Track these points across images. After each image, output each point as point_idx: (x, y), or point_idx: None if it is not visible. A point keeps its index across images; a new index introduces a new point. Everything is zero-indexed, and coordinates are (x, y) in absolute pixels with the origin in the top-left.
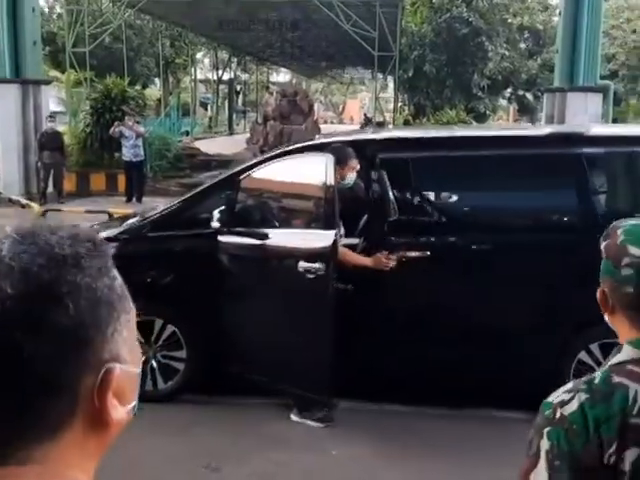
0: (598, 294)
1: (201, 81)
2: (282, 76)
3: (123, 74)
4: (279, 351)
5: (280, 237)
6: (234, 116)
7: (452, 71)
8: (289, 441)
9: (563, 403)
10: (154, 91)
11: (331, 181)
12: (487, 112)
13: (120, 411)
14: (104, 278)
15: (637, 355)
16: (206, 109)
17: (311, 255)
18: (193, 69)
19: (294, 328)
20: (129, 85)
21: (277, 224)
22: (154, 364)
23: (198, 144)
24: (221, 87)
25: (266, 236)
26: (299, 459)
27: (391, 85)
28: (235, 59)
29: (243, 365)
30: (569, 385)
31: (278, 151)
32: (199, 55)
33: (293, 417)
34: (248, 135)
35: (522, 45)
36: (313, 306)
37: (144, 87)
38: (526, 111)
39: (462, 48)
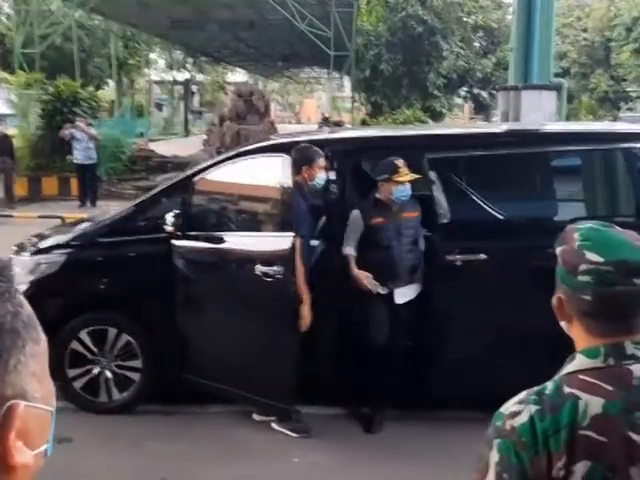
0: (554, 301)
1: (156, 82)
2: (238, 76)
3: (75, 76)
4: (239, 358)
5: (237, 240)
6: (190, 117)
7: (408, 70)
8: (249, 451)
9: (514, 414)
10: (108, 92)
11: (288, 182)
12: (443, 111)
13: (27, 455)
14: (7, 304)
15: (590, 365)
16: (161, 110)
17: (269, 258)
18: (147, 70)
19: (254, 334)
20: (82, 87)
21: (234, 227)
22: (108, 375)
23: (153, 146)
24: (177, 88)
25: (222, 240)
26: (259, 469)
27: (348, 84)
28: (190, 60)
29: (202, 373)
30: (521, 395)
31: (233, 152)
32: (153, 56)
33: (274, 426)
34: (204, 136)
35: (477, 44)
36: (273, 311)
37: (97, 88)
38: (482, 109)
39: (417, 47)
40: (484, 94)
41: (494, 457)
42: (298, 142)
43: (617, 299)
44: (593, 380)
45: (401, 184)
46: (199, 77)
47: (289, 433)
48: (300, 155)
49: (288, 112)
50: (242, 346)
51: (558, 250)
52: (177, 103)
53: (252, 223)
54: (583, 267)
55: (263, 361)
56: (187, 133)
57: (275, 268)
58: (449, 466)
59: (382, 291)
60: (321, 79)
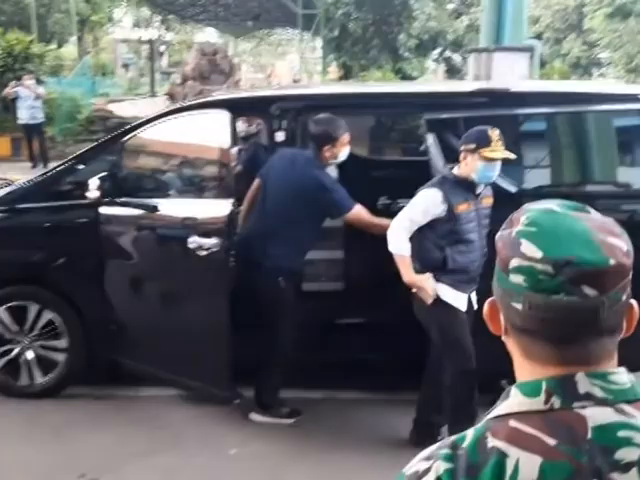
0: (485, 307)
1: (122, 41)
2: (208, 36)
3: (33, 31)
4: (174, 339)
5: (171, 208)
6: (159, 78)
7: (378, 31)
8: (183, 440)
9: (417, 476)
10: (71, 50)
11: (228, 142)
12: (415, 73)
13: None
14: None
15: (526, 406)
16: (128, 70)
17: (204, 229)
18: (112, 28)
19: (188, 313)
20: (43, 43)
21: (169, 193)
22: (30, 355)
23: (115, 106)
24: (144, 47)
25: (155, 207)
26: (191, 462)
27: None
28: (158, 18)
29: (133, 355)
30: (432, 447)
31: (168, 109)
32: (119, 13)
33: (254, 417)
34: (167, 97)
35: (449, 5)
36: (208, 287)
37: (60, 46)
38: (454, 72)
39: (387, 7)
40: (456, 57)
41: None
42: (241, 98)
43: (558, 313)
44: (528, 429)
45: (491, 161)
46: (168, 37)
47: (280, 421)
48: (320, 131)
49: (260, 74)
50: (177, 326)
51: (497, 236)
52: (144, 63)
53: (189, 188)
54: (515, 262)
55: (198, 343)
56: (153, 94)
57: (211, 240)
58: (397, 456)
59: (457, 302)
60: (294, 40)
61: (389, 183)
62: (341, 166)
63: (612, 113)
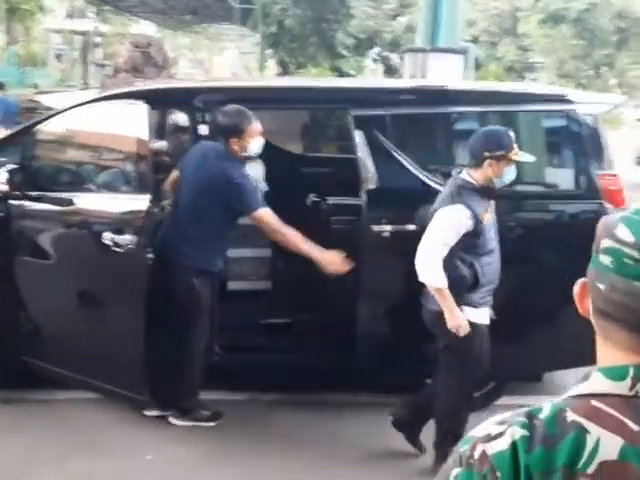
0: (576, 287)
1: (56, 31)
2: (146, 29)
3: None
4: (87, 340)
5: (86, 203)
6: (92, 69)
7: (316, 28)
8: (96, 445)
9: (489, 438)
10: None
11: (146, 135)
12: (352, 72)
13: None
14: None
15: (610, 389)
16: (61, 62)
17: (119, 225)
18: (44, 17)
19: (104, 313)
20: None
21: (83, 187)
22: None
23: (44, 98)
24: (79, 38)
25: (68, 201)
26: (104, 469)
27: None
28: (93, 9)
29: (44, 357)
30: (503, 415)
31: (84, 99)
32: (52, 3)
33: (173, 421)
34: (98, 89)
35: (386, 5)
36: (123, 287)
37: None
38: (391, 72)
39: (326, 4)
40: (394, 57)
41: None
42: (160, 89)
43: (637, 300)
44: (612, 411)
45: (512, 164)
46: (103, 28)
47: (200, 425)
48: (226, 123)
49: (198, 69)
50: (92, 327)
51: (601, 219)
52: (78, 54)
53: (105, 182)
54: (605, 243)
55: (113, 344)
56: (86, 86)
57: (126, 237)
58: (322, 458)
59: (482, 318)
60: (233, 36)
61: (319, 180)
62: (269, 163)
63: (541, 114)
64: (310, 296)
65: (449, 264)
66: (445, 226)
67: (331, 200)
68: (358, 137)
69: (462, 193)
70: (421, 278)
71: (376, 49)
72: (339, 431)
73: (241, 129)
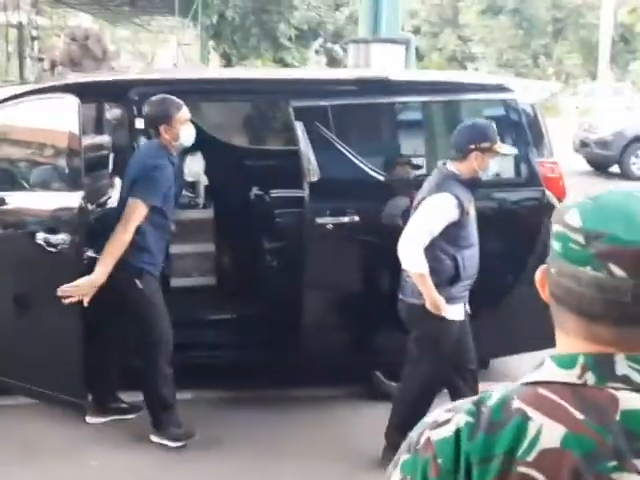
0: (538, 273)
1: None
2: (84, 21)
3: None
4: (24, 344)
5: (17, 200)
6: (29, 64)
7: (258, 19)
8: (38, 454)
9: (436, 424)
10: None
11: (77, 130)
12: (295, 63)
13: None
14: None
15: (559, 377)
16: None
17: (52, 224)
18: None
19: (38, 316)
20: None
21: (14, 184)
22: None
23: None
24: (14, 32)
25: (1, 200)
26: (48, 476)
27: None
28: (28, 0)
29: None
30: (454, 403)
31: (11, 93)
32: None
33: (153, 438)
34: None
35: None
36: (59, 286)
37: None
38: (335, 63)
39: None
40: (337, 48)
41: (394, 478)
42: (91, 82)
43: (584, 286)
44: (557, 399)
45: (496, 156)
46: (40, 21)
47: (170, 444)
48: (153, 112)
49: (140, 62)
50: (27, 329)
51: None
52: (14, 48)
53: (36, 179)
54: (555, 228)
55: (50, 349)
56: (22, 81)
57: (60, 236)
58: (290, 450)
59: (457, 315)
60: (175, 28)
61: (263, 173)
62: (210, 156)
63: (481, 102)
64: (255, 291)
65: (430, 255)
66: (431, 214)
67: (275, 193)
68: (299, 128)
69: (449, 183)
70: (404, 265)
71: (319, 40)
72: (284, 427)
73: (168, 116)
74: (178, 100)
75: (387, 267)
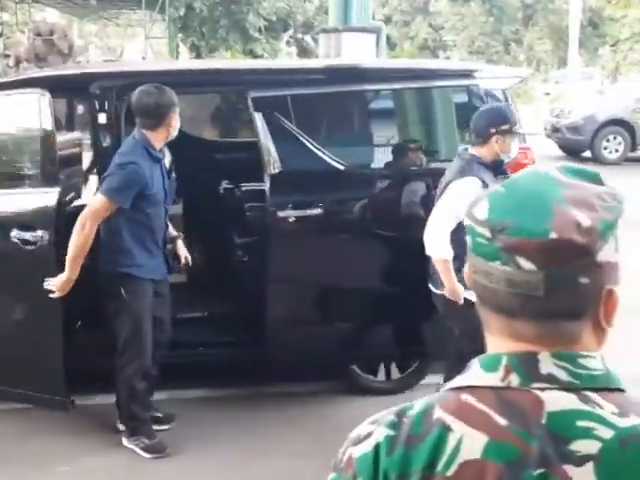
0: (466, 268)
1: None
2: (50, 16)
3: None
4: (3, 345)
5: None
6: None
7: (226, 10)
8: (6, 460)
9: (357, 440)
10: None
11: (49, 125)
12: (265, 55)
13: None
14: None
15: (482, 381)
16: None
17: (28, 221)
18: None
19: (16, 313)
20: None
21: None
22: None
23: None
24: None
25: None
26: None
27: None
28: None
29: None
30: (381, 413)
31: None
32: None
33: (125, 442)
34: None
35: None
36: (36, 284)
37: None
38: (306, 54)
39: None
40: (308, 39)
41: None
42: (59, 76)
43: (496, 282)
44: (480, 405)
45: (516, 138)
46: (5, 17)
47: (140, 452)
48: (159, 101)
49: (109, 56)
50: (4, 329)
51: None
52: None
53: (8, 176)
54: (465, 221)
55: (28, 347)
56: None
57: (36, 233)
58: (265, 449)
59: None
60: (143, 21)
61: (232, 167)
62: (178, 149)
63: (453, 89)
64: (227, 287)
65: (455, 241)
66: (457, 198)
67: (244, 186)
68: (258, 120)
69: (472, 167)
70: (428, 251)
71: (289, 31)
72: (258, 425)
73: (175, 104)
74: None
75: (353, 258)
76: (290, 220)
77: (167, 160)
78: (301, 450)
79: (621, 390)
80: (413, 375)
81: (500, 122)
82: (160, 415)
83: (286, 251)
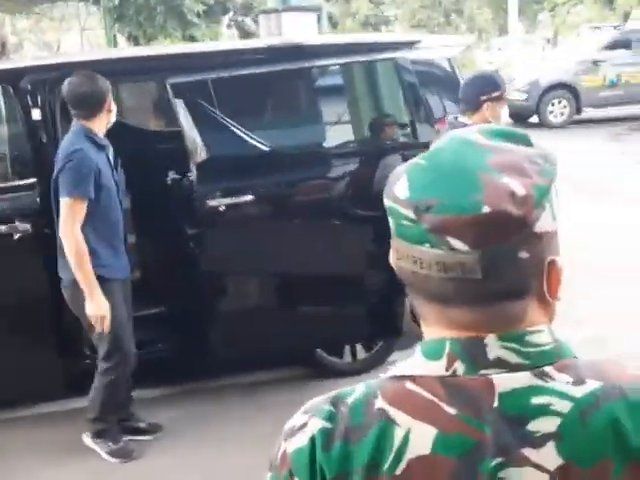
0: (392, 252)
1: None
2: None
3: None
4: None
5: None
6: None
7: None
8: None
9: (292, 432)
10: None
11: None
12: (206, 40)
13: None
14: None
15: (426, 369)
16: None
17: (9, 213)
18: None
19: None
20: None
21: None
22: None
23: None
24: None
25: None
26: None
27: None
28: None
29: None
30: (314, 400)
31: None
32: None
33: (88, 442)
34: None
35: None
36: (22, 275)
37: None
38: (247, 37)
39: None
40: (248, 21)
41: None
42: None
43: (427, 268)
44: (426, 394)
45: (506, 104)
46: None
47: (104, 456)
48: (93, 89)
49: (46, 52)
50: None
51: None
52: None
53: None
54: (385, 202)
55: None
56: None
57: (16, 225)
58: (217, 452)
59: None
60: (77, 13)
61: (177, 156)
62: (120, 140)
63: (394, 61)
64: (178, 282)
65: None
66: None
67: (192, 176)
68: (179, 106)
69: None
70: None
71: (229, 14)
72: (223, 418)
73: (109, 91)
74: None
75: (290, 242)
76: (220, 209)
77: (110, 153)
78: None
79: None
80: (379, 354)
81: (491, 89)
82: (143, 425)
83: (219, 241)
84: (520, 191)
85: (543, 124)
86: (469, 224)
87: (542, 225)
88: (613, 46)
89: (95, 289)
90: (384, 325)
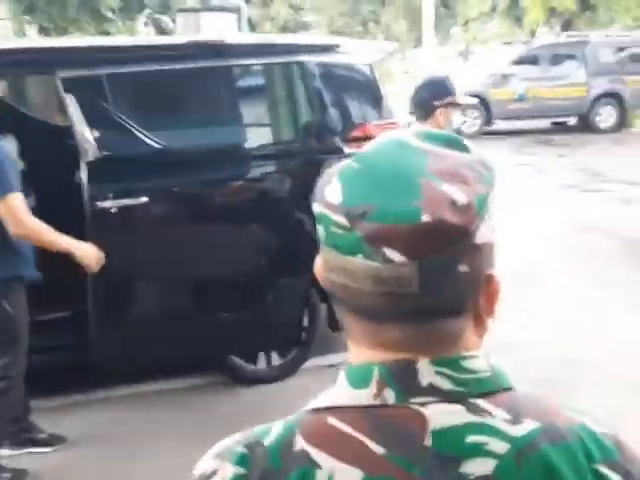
0: (317, 261)
1: None
2: None
3: None
4: None
5: None
6: None
7: None
8: None
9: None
10: None
11: None
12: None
13: None
14: None
15: (352, 399)
16: None
17: None
18: None
19: None
20: None
21: None
22: None
23: None
24: None
25: None
26: None
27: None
28: None
29: None
30: (226, 442)
31: None
32: None
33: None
34: None
35: None
36: None
37: None
38: (165, 35)
39: None
40: (166, 19)
41: None
42: None
43: (359, 281)
44: (350, 431)
45: (459, 108)
46: None
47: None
48: None
49: None
50: None
51: None
52: None
53: None
54: (315, 208)
55: None
56: None
57: None
58: (128, 460)
59: None
60: None
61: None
62: (25, 136)
63: (316, 64)
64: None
65: None
66: None
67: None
68: (70, 102)
69: None
70: None
71: (146, 11)
72: (135, 426)
73: None
74: None
75: (190, 246)
76: (111, 211)
77: (13, 148)
78: (186, 446)
79: (510, 389)
80: (294, 360)
81: (442, 94)
82: (45, 436)
83: (109, 244)
84: (461, 199)
85: (457, 133)
86: (407, 234)
87: (482, 236)
88: (521, 61)
89: (73, 242)
90: (282, 334)
